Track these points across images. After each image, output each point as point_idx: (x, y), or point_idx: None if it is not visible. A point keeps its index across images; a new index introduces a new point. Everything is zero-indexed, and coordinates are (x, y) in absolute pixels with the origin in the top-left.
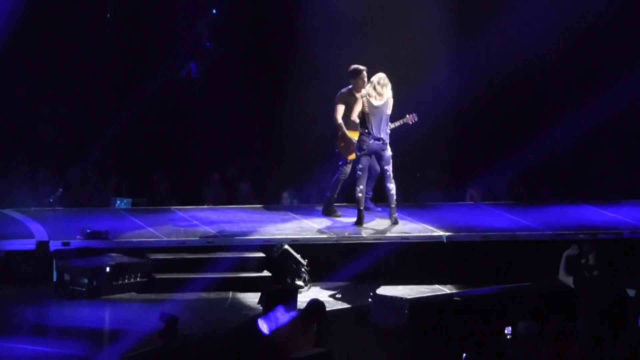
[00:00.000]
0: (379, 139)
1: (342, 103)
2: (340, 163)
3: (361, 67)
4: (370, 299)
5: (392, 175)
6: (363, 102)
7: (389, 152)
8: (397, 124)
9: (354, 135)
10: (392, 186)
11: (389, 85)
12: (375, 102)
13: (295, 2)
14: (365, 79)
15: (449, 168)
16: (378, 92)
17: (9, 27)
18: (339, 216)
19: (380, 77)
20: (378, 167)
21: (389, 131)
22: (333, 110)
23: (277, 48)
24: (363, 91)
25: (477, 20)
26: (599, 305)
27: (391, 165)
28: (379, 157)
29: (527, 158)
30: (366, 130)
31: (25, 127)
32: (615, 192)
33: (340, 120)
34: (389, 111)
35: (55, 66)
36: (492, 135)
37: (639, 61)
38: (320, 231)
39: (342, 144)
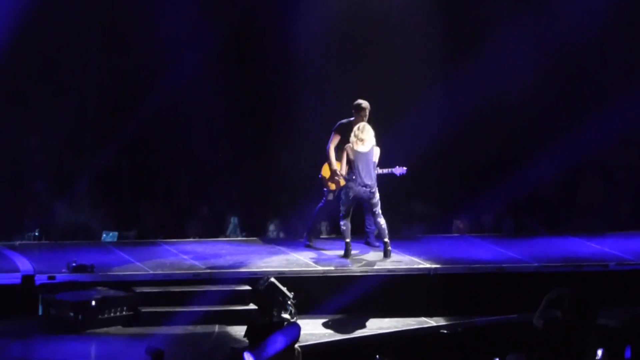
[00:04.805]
0: (365, 186)
1: (339, 133)
2: (325, 190)
3: (364, 105)
4: None
5: (380, 213)
6: (347, 151)
7: (376, 198)
8: (384, 171)
9: (340, 167)
10: (382, 221)
11: (371, 131)
12: (360, 149)
13: (283, 35)
14: (366, 117)
15: (435, 200)
16: (360, 139)
17: None
18: (310, 246)
19: (361, 124)
20: None
21: (375, 176)
22: (329, 138)
23: (265, 82)
24: (348, 142)
25: (463, 54)
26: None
27: (379, 206)
28: (367, 204)
29: (513, 190)
30: (353, 177)
31: (11, 160)
32: (601, 224)
33: (332, 149)
34: (375, 159)
35: (41, 99)
36: (478, 167)
37: (624, 93)
38: (306, 264)
39: (327, 172)
